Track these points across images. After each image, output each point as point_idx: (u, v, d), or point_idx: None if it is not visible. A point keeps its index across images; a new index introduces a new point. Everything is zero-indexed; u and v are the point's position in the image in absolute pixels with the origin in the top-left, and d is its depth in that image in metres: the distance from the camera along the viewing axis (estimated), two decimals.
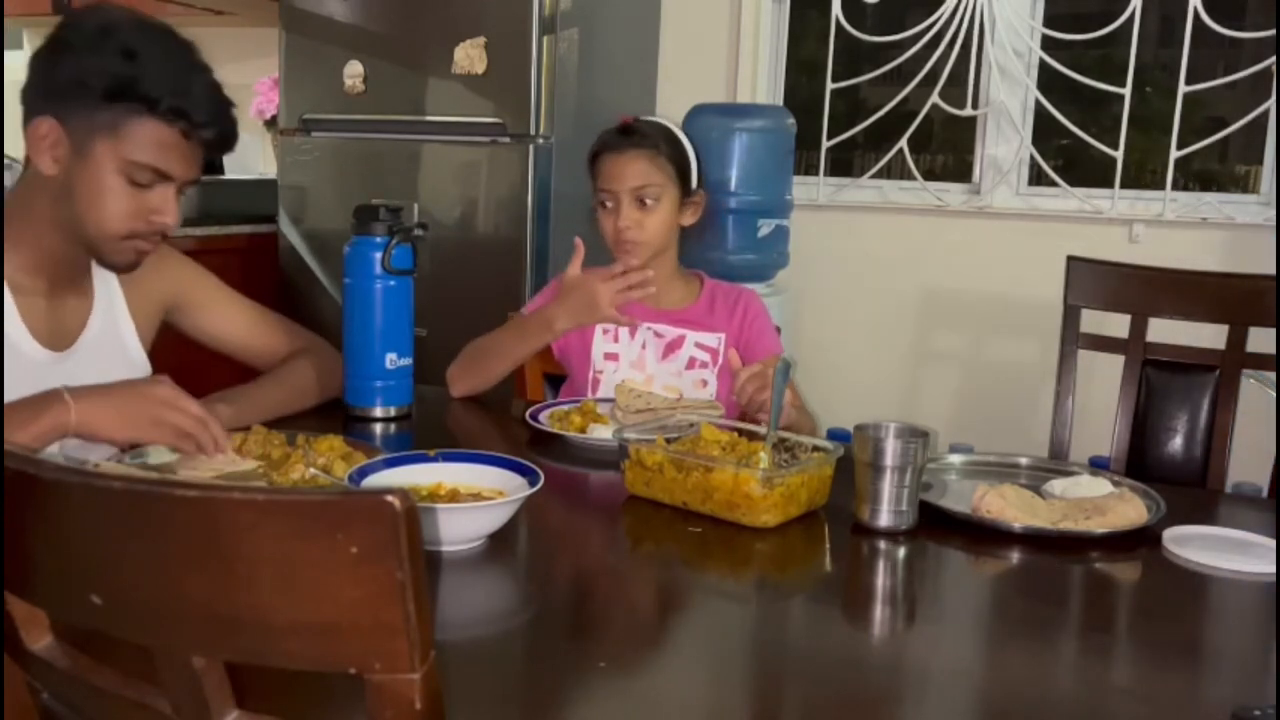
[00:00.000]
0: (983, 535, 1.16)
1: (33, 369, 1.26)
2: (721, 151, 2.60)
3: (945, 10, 2.83)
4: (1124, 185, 2.76)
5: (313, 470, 1.16)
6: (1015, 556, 1.14)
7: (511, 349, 1.66)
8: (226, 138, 1.32)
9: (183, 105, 1.25)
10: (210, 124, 1.29)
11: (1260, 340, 1.65)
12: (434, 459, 1.15)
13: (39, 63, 1.27)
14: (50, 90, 1.25)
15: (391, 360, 1.52)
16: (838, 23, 2.91)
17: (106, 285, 1.41)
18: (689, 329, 1.71)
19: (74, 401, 1.14)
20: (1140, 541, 1.16)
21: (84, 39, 1.24)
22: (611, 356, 1.69)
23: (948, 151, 3.23)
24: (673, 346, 1.70)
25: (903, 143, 2.93)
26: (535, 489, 1.08)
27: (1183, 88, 2.67)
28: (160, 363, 1.50)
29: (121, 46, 1.24)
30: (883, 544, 1.15)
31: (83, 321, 1.38)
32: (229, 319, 1.55)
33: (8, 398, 1.15)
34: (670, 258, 1.74)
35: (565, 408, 1.53)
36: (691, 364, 1.70)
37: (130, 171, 1.26)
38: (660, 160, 1.66)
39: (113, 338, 1.41)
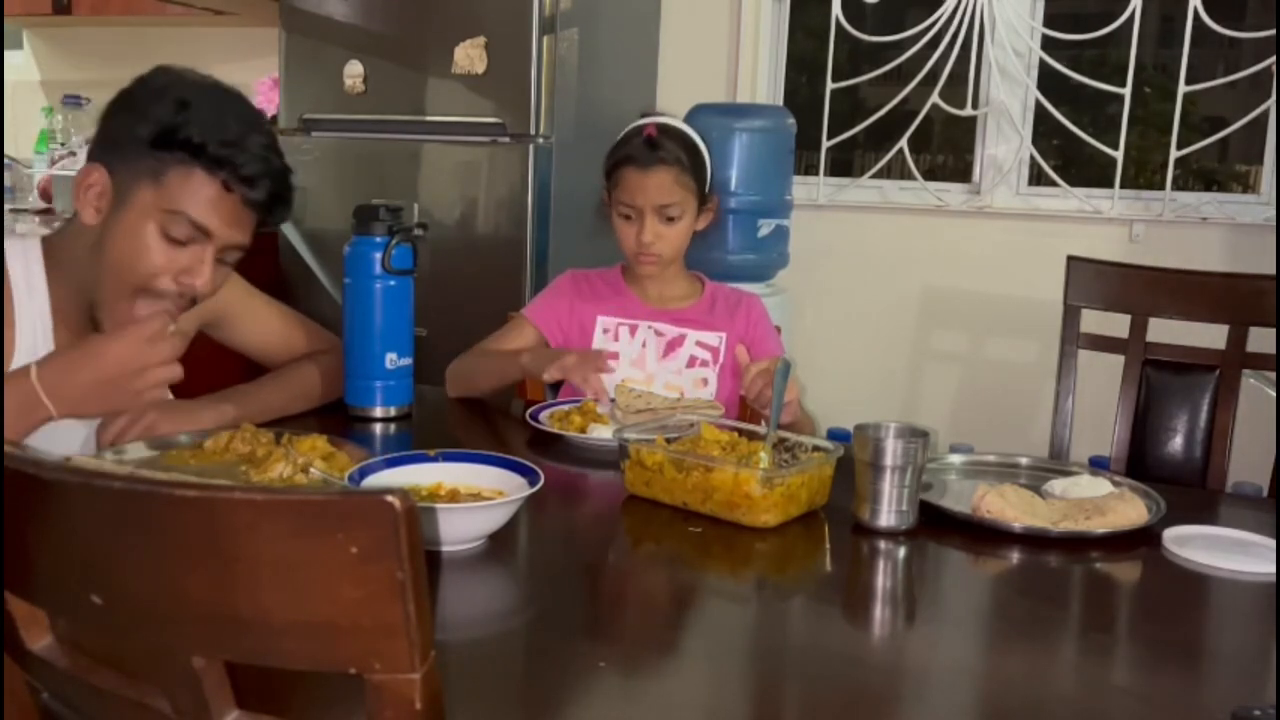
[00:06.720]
0: (983, 535, 1.16)
1: None
2: (721, 151, 2.59)
3: (945, 10, 2.83)
4: (1124, 185, 2.76)
5: (289, 470, 1.15)
6: (1015, 556, 1.14)
7: (495, 373, 1.67)
8: (277, 199, 1.27)
9: (229, 156, 1.21)
10: (257, 182, 1.24)
11: (1260, 340, 1.66)
12: (434, 459, 1.15)
13: (104, 115, 1.26)
14: (105, 140, 1.24)
15: (391, 360, 1.52)
16: (838, 23, 2.91)
17: None
18: (690, 328, 1.72)
19: (54, 406, 1.12)
20: (1140, 541, 1.16)
21: (148, 93, 1.24)
22: (611, 356, 1.69)
23: (948, 151, 3.23)
24: (673, 345, 1.71)
25: (903, 143, 2.93)
26: (535, 489, 1.08)
27: (1182, 88, 2.66)
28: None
29: (177, 98, 1.22)
30: (883, 544, 1.15)
31: None
32: (261, 328, 1.54)
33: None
34: (680, 259, 1.75)
35: (565, 408, 1.52)
36: (692, 362, 1.70)
37: (166, 223, 1.21)
38: (685, 177, 1.66)
39: None
